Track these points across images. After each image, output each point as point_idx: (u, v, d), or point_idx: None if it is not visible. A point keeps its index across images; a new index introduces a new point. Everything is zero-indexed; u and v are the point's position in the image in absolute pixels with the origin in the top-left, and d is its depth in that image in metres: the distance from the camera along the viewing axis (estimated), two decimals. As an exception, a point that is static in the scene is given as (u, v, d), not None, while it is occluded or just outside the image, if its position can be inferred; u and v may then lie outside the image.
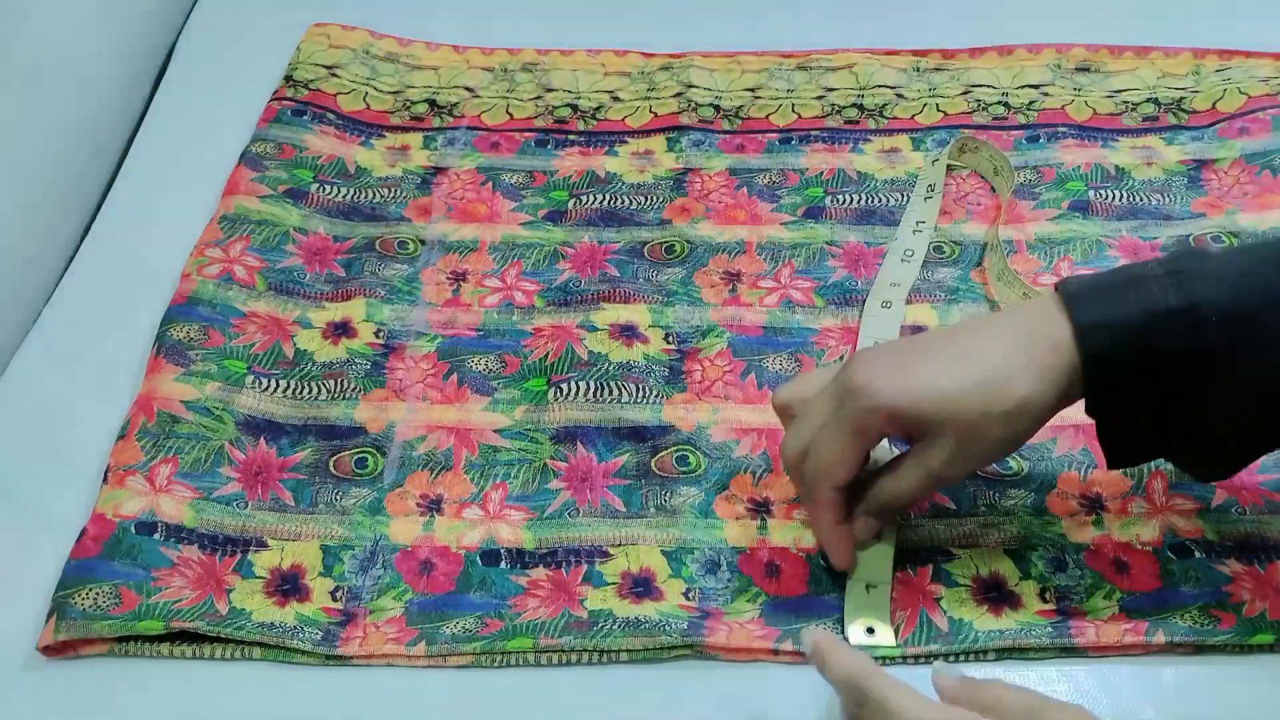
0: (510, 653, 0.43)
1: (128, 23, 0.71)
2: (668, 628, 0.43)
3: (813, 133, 0.67)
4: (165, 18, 0.75)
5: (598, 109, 0.69)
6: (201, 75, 0.71)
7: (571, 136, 0.67)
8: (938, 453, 0.41)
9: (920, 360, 0.41)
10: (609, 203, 0.63)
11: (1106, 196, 0.62)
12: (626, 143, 0.67)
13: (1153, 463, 0.49)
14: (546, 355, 0.54)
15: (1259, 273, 0.39)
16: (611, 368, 0.53)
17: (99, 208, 0.63)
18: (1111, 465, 0.43)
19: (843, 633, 0.43)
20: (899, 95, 0.69)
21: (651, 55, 0.72)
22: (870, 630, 0.43)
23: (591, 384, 0.52)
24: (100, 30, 0.68)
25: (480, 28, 0.74)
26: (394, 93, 0.69)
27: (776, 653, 0.43)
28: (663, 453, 0.50)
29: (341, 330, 0.55)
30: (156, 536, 0.45)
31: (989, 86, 0.69)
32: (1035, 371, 0.39)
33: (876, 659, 0.41)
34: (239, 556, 0.46)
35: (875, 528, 0.45)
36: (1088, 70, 0.70)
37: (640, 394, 0.52)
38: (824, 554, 0.46)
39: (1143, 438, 0.42)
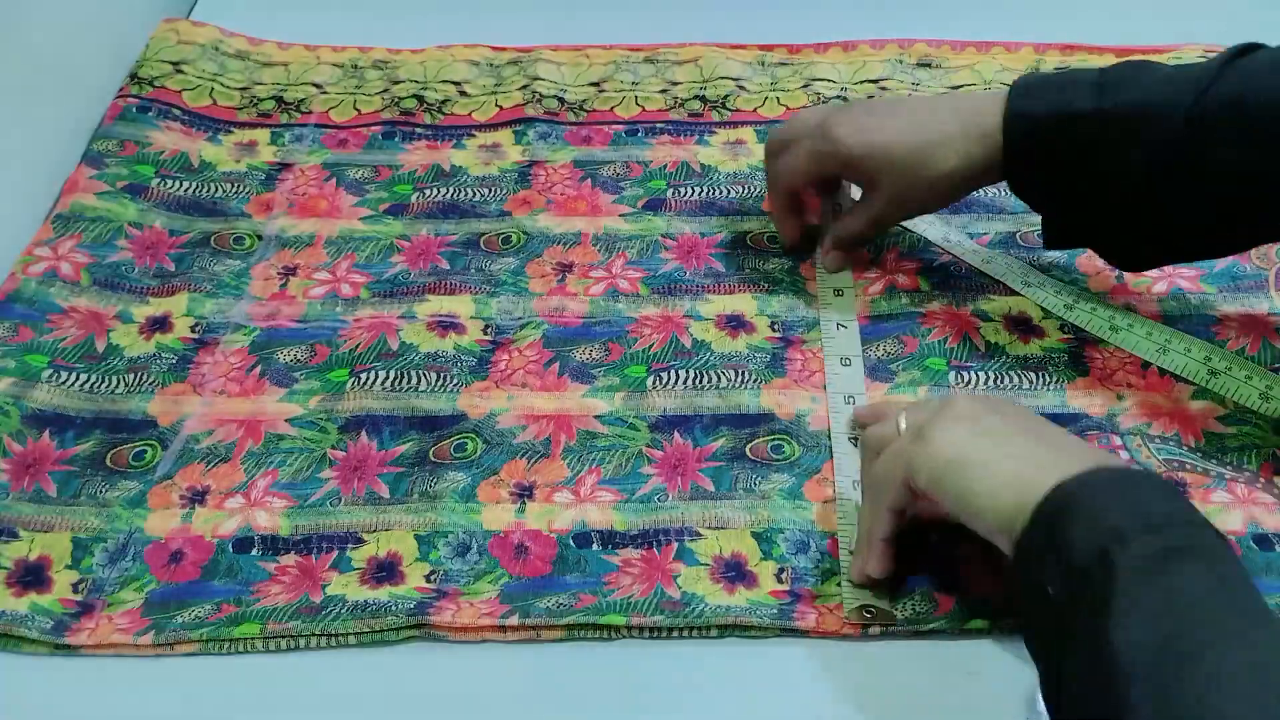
0: (237, 639, 0.43)
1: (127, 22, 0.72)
2: (395, 608, 0.44)
3: (658, 125, 0.68)
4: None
5: (444, 102, 0.69)
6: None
7: (419, 130, 0.68)
8: (879, 201, 0.54)
9: (879, 122, 0.52)
10: (452, 195, 0.64)
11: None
12: (474, 136, 0.68)
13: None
14: (357, 346, 0.54)
15: (1170, 84, 0.45)
16: (419, 358, 0.54)
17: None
18: (1047, 245, 0.52)
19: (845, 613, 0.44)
20: (741, 87, 0.70)
21: (501, 49, 0.73)
22: (870, 611, 0.44)
23: (392, 373, 0.53)
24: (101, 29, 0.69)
25: (473, 28, 0.74)
26: (241, 89, 0.70)
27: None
28: (444, 441, 0.50)
29: (159, 325, 0.55)
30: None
31: (828, 80, 0.70)
32: (963, 150, 0.49)
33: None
34: None
35: (840, 259, 0.58)
36: (929, 65, 0.72)
37: (440, 383, 0.53)
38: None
39: (1065, 213, 0.50)
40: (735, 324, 0.56)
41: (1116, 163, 0.46)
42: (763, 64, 0.72)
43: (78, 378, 0.52)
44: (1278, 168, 0.44)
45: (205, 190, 0.63)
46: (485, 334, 0.56)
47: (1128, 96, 0.45)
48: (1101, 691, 0.31)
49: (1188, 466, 0.49)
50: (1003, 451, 0.39)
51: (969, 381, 0.53)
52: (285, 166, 0.65)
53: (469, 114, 0.69)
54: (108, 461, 0.49)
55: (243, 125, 0.68)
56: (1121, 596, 0.31)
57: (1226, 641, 0.30)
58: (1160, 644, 0.30)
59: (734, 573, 0.46)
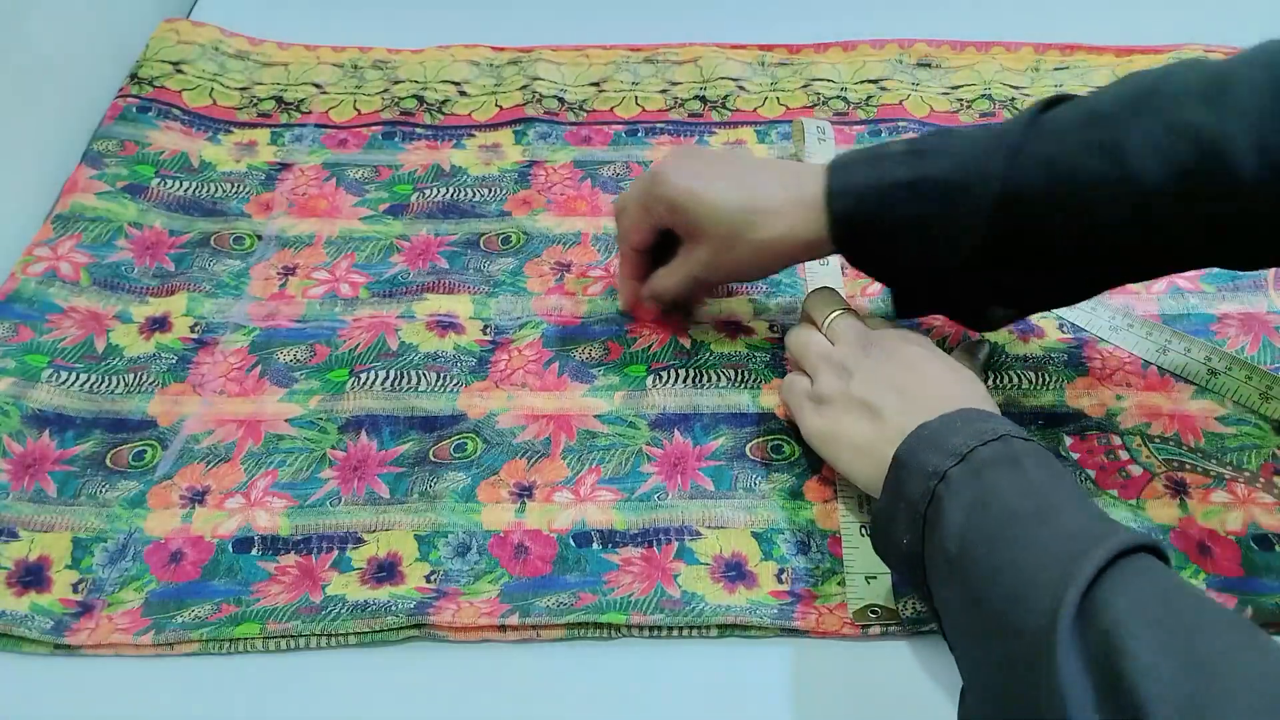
0: (237, 639, 0.43)
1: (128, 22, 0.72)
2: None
3: (658, 125, 0.68)
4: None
5: (444, 102, 0.69)
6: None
7: (419, 129, 0.68)
8: (698, 257, 0.50)
9: (711, 174, 0.49)
10: (452, 195, 0.64)
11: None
12: (474, 136, 0.68)
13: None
14: (357, 346, 0.54)
15: (982, 149, 0.44)
16: (418, 358, 0.54)
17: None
18: (899, 315, 0.51)
19: (850, 614, 0.44)
20: (741, 87, 0.70)
21: (501, 49, 0.73)
22: (875, 611, 0.44)
23: (392, 373, 0.53)
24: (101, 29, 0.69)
25: (473, 28, 0.75)
26: (241, 89, 0.70)
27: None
28: (444, 442, 0.50)
29: (158, 325, 0.55)
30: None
31: (828, 80, 0.70)
32: (789, 219, 0.47)
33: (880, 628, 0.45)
34: None
35: (653, 310, 0.55)
36: (929, 65, 0.72)
37: (439, 383, 0.53)
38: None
39: (913, 292, 0.49)
40: (734, 325, 0.56)
41: (939, 231, 0.44)
42: (763, 64, 0.72)
43: (77, 378, 0.52)
44: (1094, 225, 0.42)
45: (205, 190, 0.63)
46: (484, 334, 0.56)
47: (942, 164, 0.44)
48: (956, 586, 0.37)
49: (1188, 466, 0.49)
50: (853, 429, 0.45)
51: None
52: (285, 166, 0.65)
53: (469, 114, 0.69)
54: (108, 461, 0.49)
55: (243, 125, 0.68)
56: (949, 513, 0.37)
57: (1026, 521, 0.36)
58: (968, 529, 0.37)
59: (734, 572, 0.46)
